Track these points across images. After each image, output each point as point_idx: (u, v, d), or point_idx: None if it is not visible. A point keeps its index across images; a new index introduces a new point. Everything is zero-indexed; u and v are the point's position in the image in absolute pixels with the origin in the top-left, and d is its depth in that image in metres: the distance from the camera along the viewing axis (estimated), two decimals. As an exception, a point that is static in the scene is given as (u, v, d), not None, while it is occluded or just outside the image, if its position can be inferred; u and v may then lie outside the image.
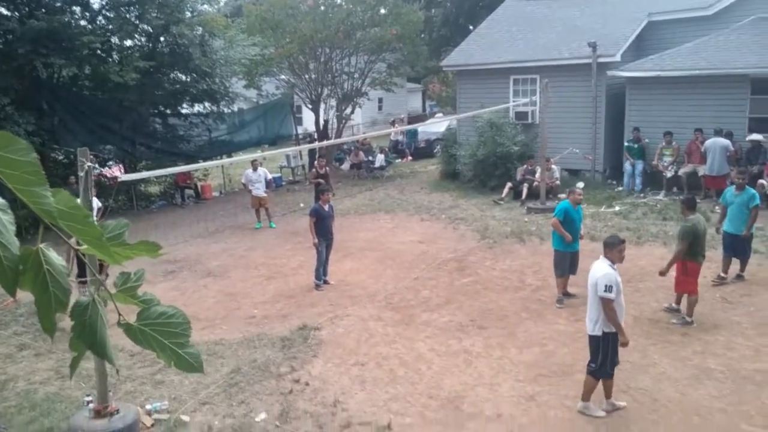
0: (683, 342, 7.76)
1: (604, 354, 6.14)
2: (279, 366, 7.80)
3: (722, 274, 9.56)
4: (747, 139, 14.15)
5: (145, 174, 11.77)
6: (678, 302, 8.60)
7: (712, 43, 15.55)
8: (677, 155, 15.22)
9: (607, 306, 5.98)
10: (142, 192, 20.37)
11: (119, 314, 1.16)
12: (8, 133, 1.02)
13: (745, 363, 7.12)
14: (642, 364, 7.26)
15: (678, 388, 6.70)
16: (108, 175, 18.87)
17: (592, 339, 6.20)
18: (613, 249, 6.31)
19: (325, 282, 10.92)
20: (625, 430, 6.00)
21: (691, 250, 8.06)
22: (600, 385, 6.31)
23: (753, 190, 9.43)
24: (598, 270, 6.14)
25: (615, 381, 6.87)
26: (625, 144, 16.08)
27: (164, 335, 1.15)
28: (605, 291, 5.95)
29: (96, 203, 12.90)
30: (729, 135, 14.17)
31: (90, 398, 6.58)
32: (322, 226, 10.75)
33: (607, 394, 6.36)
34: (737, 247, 9.45)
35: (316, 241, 10.68)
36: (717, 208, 11.90)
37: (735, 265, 9.69)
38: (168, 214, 18.34)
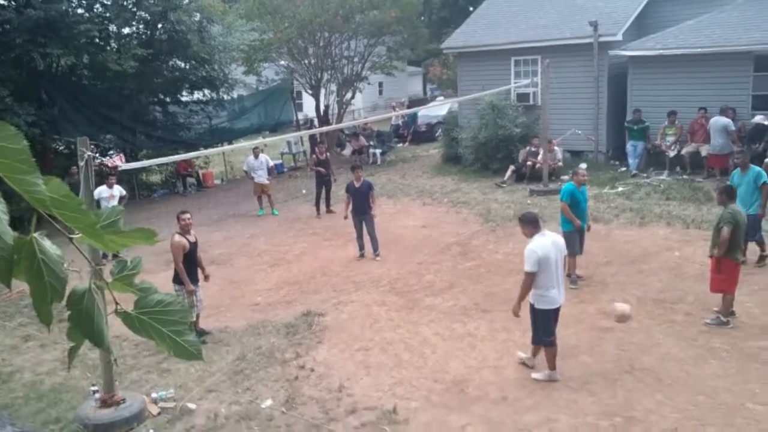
0: (687, 322, 7.75)
1: None
2: (284, 352, 7.82)
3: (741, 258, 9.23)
4: (752, 121, 14.02)
5: (145, 163, 11.76)
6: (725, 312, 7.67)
7: (714, 20, 15.40)
8: (680, 135, 15.13)
9: None
10: (144, 181, 20.36)
11: (116, 303, 1.14)
12: (-1, 121, 0.99)
13: (749, 341, 7.11)
14: (646, 345, 7.26)
15: (683, 367, 6.70)
16: (109, 164, 18.90)
17: None
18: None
19: (361, 256, 11.51)
20: (631, 410, 6.00)
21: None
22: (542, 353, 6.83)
23: (758, 168, 9.18)
24: (558, 237, 6.85)
25: (619, 361, 6.91)
26: (625, 125, 15.98)
27: (162, 323, 1.13)
28: None
29: (119, 191, 12.93)
30: (732, 111, 14.02)
31: (96, 388, 6.61)
32: (354, 201, 11.44)
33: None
34: (749, 228, 8.81)
35: (345, 215, 11.69)
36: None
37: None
38: (170, 203, 18.30)
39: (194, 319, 8.27)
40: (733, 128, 13.78)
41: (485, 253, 11.13)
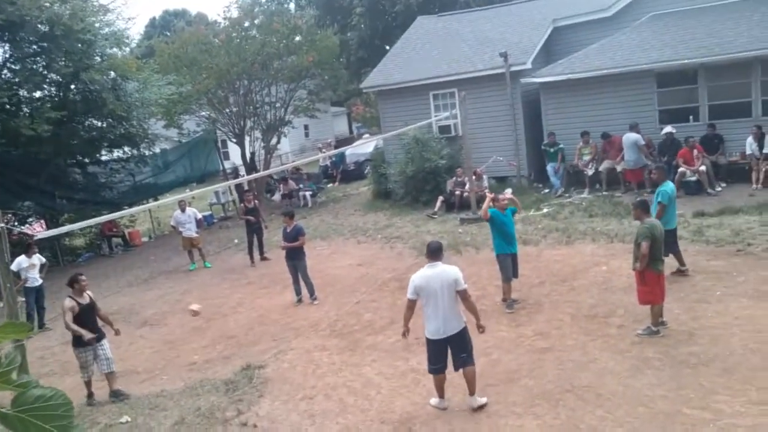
0: (621, 335, 7.95)
1: (470, 341, 6.78)
2: (224, 411, 7.57)
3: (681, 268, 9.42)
4: (662, 133, 14.74)
5: (65, 228, 11.33)
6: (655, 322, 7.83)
7: (615, 42, 16.23)
8: (596, 153, 15.74)
9: (469, 294, 6.75)
10: (67, 246, 19.62)
11: (-8, 403, 1.08)
12: None
13: (680, 348, 7.33)
14: (583, 361, 7.39)
15: (620, 380, 6.84)
16: (29, 233, 18.12)
17: (462, 333, 6.65)
18: (442, 252, 6.94)
19: (298, 301, 11.38)
20: (575, 429, 6.07)
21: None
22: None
23: (664, 187, 9.24)
24: (450, 270, 6.62)
25: (559, 381, 7.00)
26: (542, 147, 16.55)
27: (44, 419, 1.07)
28: (465, 283, 6.63)
29: (39, 259, 12.49)
30: (636, 127, 14.62)
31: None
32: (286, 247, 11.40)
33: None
34: (667, 242, 8.86)
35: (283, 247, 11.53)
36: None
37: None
38: (97, 266, 17.71)
39: (87, 379, 8.45)
40: (643, 143, 14.45)
41: (422, 286, 11.14)
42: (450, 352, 6.67)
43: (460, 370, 6.73)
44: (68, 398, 1.09)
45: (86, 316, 8.53)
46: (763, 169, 13.57)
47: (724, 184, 14.10)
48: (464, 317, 6.68)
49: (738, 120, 14.38)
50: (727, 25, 15.00)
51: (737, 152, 14.27)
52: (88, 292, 8.78)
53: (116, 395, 8.45)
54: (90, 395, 8.53)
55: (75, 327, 8.30)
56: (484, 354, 8.02)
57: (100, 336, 8.55)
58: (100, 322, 8.77)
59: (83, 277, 8.66)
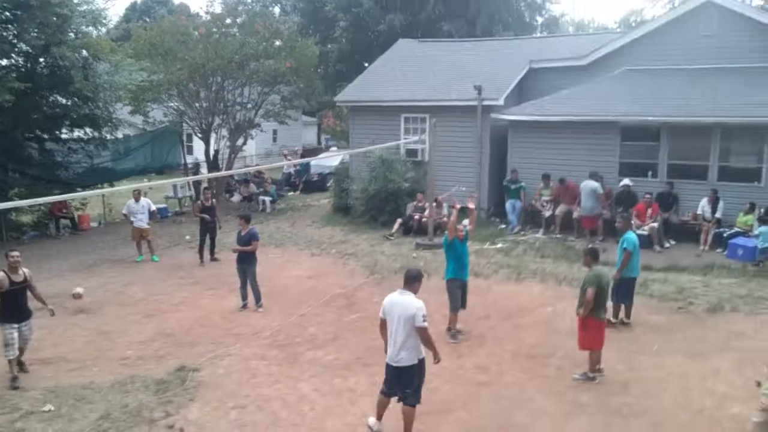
0: (558, 377, 8.05)
1: (420, 379, 6.61)
2: (152, 411, 7.39)
3: (612, 319, 9.45)
4: (619, 186, 15.11)
5: (12, 204, 10.93)
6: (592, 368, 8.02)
7: (586, 91, 16.61)
8: (555, 195, 16.01)
9: (428, 333, 6.45)
10: (13, 221, 18.98)
11: None
12: None
13: (614, 397, 7.46)
14: (520, 400, 7.46)
15: (554, 422, 6.92)
16: (-26, 203, 17.42)
17: (412, 368, 6.49)
18: (418, 282, 6.69)
19: (243, 307, 11.28)
20: (502, 467, 6.10)
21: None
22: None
23: (627, 235, 9.46)
24: (413, 304, 6.39)
25: (493, 417, 7.04)
26: (503, 183, 16.79)
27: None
28: (424, 321, 6.33)
29: None
30: (597, 176, 15.00)
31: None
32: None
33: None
34: (619, 291, 9.46)
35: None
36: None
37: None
38: (41, 246, 17.18)
39: (11, 357, 8.39)
40: (601, 191, 14.78)
41: (369, 306, 11.10)
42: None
43: (401, 404, 6.63)
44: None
45: (16, 292, 8.44)
46: (712, 232, 14.00)
47: (673, 242, 14.48)
48: (422, 353, 6.53)
49: (694, 181, 14.82)
50: (694, 89, 15.49)
51: (689, 212, 14.69)
52: (25, 269, 8.65)
53: (20, 364, 8.64)
54: (14, 378, 8.30)
55: None
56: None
57: (27, 315, 8.61)
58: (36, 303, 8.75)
59: (14, 253, 8.52)
